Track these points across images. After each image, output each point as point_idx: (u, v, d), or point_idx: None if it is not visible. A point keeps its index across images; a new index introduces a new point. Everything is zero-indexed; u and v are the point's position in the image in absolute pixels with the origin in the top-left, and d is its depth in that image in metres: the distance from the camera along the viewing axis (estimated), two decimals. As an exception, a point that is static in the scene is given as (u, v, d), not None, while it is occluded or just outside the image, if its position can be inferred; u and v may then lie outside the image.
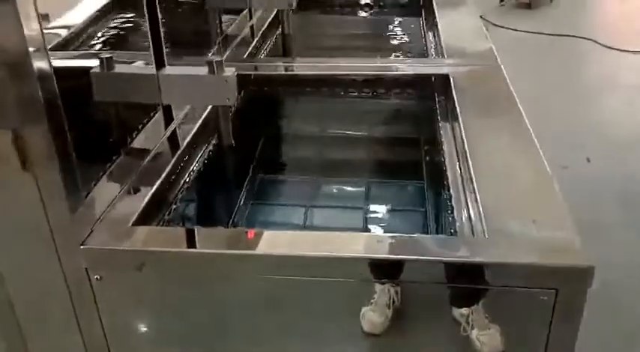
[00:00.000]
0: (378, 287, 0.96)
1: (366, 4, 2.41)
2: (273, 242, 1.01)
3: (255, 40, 1.87)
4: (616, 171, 3.15)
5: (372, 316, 0.98)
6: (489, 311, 0.97)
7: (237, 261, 0.97)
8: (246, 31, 1.94)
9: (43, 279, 1.01)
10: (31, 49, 0.83)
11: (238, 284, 0.99)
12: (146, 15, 1.21)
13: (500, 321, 0.97)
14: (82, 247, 0.96)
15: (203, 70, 1.18)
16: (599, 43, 5.01)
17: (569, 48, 5.07)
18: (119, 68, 1.11)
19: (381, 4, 2.42)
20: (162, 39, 1.25)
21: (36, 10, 0.84)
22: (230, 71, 1.18)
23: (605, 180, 3.06)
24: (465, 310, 0.97)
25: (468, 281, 0.94)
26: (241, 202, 1.41)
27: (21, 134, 0.87)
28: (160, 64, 1.24)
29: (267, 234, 1.00)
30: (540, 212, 1.01)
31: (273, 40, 2.03)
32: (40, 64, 0.84)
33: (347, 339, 1.02)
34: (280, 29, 2.07)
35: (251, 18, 2.02)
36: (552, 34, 5.26)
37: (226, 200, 1.40)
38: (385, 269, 0.96)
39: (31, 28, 0.82)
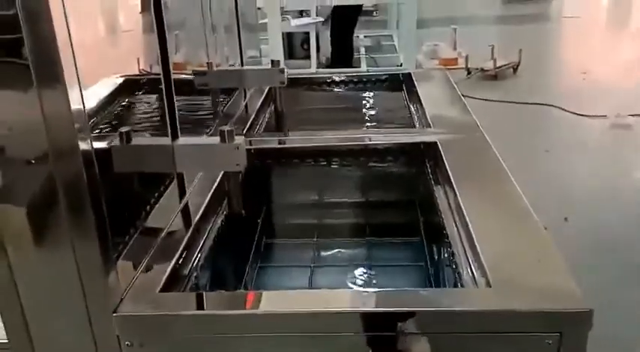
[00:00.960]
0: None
1: (351, 81, 2.58)
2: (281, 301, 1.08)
3: (252, 118, 2.00)
4: (590, 225, 3.32)
5: None
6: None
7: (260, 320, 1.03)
8: (242, 108, 2.08)
9: (75, 349, 1.05)
10: (77, 127, 0.91)
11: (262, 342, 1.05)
12: (164, 93, 1.32)
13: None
14: (114, 315, 1.01)
15: (215, 140, 1.27)
16: (564, 109, 5.30)
17: (536, 114, 5.36)
18: (136, 141, 1.19)
19: (364, 80, 2.59)
20: (177, 113, 1.36)
21: (80, 91, 0.92)
22: (240, 139, 1.27)
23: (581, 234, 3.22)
24: None
25: (480, 330, 1.01)
26: (250, 266, 1.47)
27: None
28: (174, 136, 1.34)
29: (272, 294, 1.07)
30: (539, 262, 1.10)
31: (267, 115, 2.16)
32: (84, 145, 0.93)
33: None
34: (273, 105, 2.20)
35: (245, 97, 2.16)
36: (518, 102, 5.56)
37: (237, 265, 1.47)
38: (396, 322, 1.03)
39: (77, 107, 0.91)
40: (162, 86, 1.31)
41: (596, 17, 10.68)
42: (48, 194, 0.94)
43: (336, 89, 2.56)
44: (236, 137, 1.26)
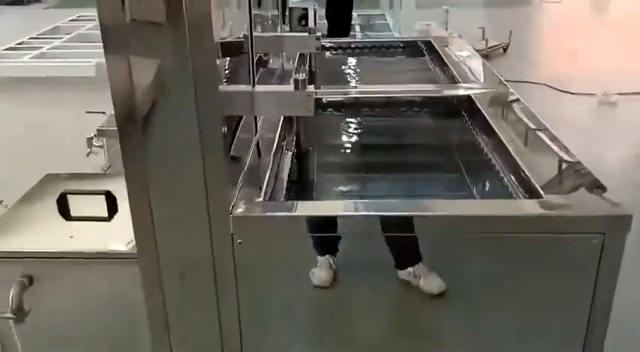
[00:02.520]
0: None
1: (373, 46, 2.77)
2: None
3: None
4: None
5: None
6: (547, 258, 1.24)
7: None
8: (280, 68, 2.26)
9: (194, 251, 1.22)
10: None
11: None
12: (249, 50, 1.49)
13: (558, 263, 1.24)
14: (231, 216, 1.19)
15: (290, 88, 1.44)
16: (554, 88, 5.56)
17: (527, 92, 5.60)
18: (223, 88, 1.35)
19: (385, 46, 2.78)
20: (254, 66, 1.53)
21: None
22: (311, 88, 1.44)
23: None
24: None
25: (541, 231, 1.21)
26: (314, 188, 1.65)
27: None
28: (253, 84, 1.51)
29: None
30: (581, 178, 1.31)
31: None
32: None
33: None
34: (308, 66, 2.38)
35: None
36: (510, 81, 5.78)
37: (306, 184, 1.66)
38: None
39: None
40: (248, 47, 1.48)
41: (575, 2, 10.97)
42: (187, 125, 1.11)
43: (358, 55, 2.74)
44: (308, 86, 1.43)
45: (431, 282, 1.25)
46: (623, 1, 10.58)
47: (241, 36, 1.85)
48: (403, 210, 1.28)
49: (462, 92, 1.95)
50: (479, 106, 1.80)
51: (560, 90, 5.49)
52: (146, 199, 1.19)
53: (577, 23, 9.07)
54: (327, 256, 1.26)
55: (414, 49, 2.71)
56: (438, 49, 2.49)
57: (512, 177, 1.44)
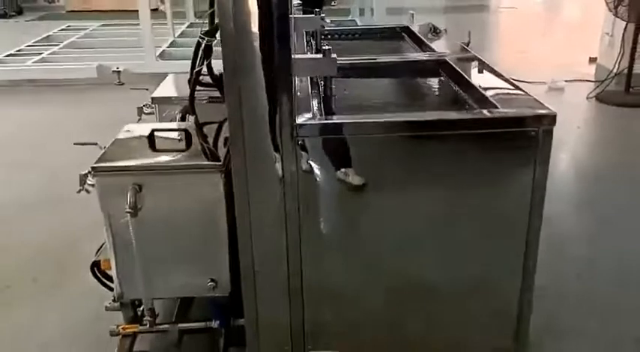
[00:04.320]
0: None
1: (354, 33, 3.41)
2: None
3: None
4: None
5: None
6: (503, 148, 1.86)
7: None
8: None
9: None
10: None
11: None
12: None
13: (510, 152, 1.86)
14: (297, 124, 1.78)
15: (319, 56, 2.02)
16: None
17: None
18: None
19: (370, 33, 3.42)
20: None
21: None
22: (334, 55, 2.02)
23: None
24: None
25: (497, 128, 1.84)
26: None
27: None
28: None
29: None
30: (525, 99, 1.95)
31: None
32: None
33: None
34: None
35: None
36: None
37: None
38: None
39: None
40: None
41: (530, 8, 11.91)
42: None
43: (349, 39, 3.37)
44: (332, 54, 2.01)
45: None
46: (573, 6, 11.58)
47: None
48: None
49: (437, 57, 2.59)
50: (451, 63, 2.44)
51: (514, 79, 6.20)
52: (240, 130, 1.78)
53: (531, 26, 9.95)
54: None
55: (395, 33, 3.35)
56: (415, 33, 3.13)
57: (477, 101, 2.07)
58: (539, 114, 1.85)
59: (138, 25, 6.44)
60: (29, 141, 4.86)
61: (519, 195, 1.90)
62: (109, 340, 2.21)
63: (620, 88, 5.67)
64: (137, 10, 6.17)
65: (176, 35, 7.76)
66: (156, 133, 2.19)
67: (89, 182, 2.07)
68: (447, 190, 1.92)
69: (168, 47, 7.15)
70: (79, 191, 2.10)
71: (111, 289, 2.25)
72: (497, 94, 2.06)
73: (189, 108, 2.36)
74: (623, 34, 5.59)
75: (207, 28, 2.19)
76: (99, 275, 2.31)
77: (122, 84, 6.14)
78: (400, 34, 3.33)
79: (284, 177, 1.84)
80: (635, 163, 4.28)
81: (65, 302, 2.73)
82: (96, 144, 2.27)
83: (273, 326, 2.07)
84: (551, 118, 1.83)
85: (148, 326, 2.20)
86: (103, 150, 2.16)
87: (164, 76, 3.05)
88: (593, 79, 6.13)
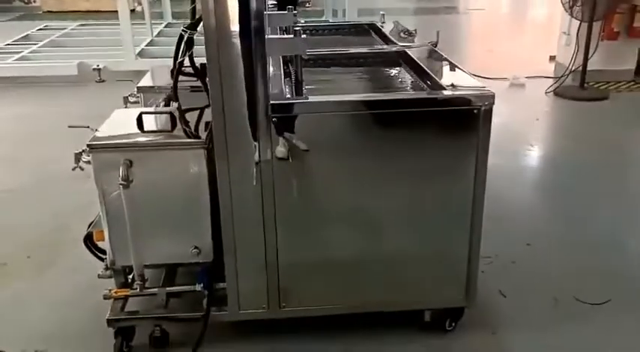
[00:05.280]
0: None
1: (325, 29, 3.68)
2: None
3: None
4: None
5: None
6: (449, 126, 2.15)
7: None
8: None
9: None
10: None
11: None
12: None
13: (455, 129, 2.15)
14: (271, 102, 2.04)
15: (291, 36, 2.29)
16: (473, 75, 6.61)
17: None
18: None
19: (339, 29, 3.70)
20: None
21: None
22: (305, 35, 2.28)
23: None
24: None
25: (444, 107, 2.13)
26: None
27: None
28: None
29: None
30: (469, 80, 2.24)
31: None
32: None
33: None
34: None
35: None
36: (439, 71, 6.84)
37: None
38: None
39: None
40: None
41: (497, 10, 12.34)
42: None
43: (319, 35, 3.65)
44: (302, 35, 2.27)
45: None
46: (538, 8, 12.03)
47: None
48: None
49: (398, 48, 2.87)
50: (410, 54, 2.73)
51: (480, 76, 6.54)
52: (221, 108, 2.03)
53: (497, 27, 10.35)
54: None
55: (362, 29, 3.63)
56: (382, 29, 3.41)
57: (430, 85, 2.35)
58: (481, 94, 2.14)
59: (115, 24, 6.63)
60: (15, 137, 5.04)
61: (464, 169, 2.20)
62: (102, 304, 2.44)
63: (576, 84, 6.04)
64: (112, 11, 6.38)
65: (154, 34, 7.96)
66: (144, 116, 2.42)
67: (84, 159, 2.30)
68: (401, 165, 2.20)
69: (146, 46, 7.35)
70: (74, 168, 2.32)
71: (102, 260, 2.48)
72: (448, 80, 2.34)
73: (173, 95, 2.59)
74: (578, 33, 5.96)
75: (189, 22, 2.44)
76: (91, 246, 2.53)
77: (103, 81, 6.32)
78: (367, 30, 3.60)
79: (260, 149, 2.10)
80: (587, 151, 4.63)
81: (59, 275, 2.96)
82: (88, 127, 2.50)
83: (252, 289, 2.34)
84: (491, 98, 2.12)
85: (138, 290, 2.43)
86: (96, 132, 2.39)
87: (144, 73, 3.24)
88: (552, 76, 6.49)
